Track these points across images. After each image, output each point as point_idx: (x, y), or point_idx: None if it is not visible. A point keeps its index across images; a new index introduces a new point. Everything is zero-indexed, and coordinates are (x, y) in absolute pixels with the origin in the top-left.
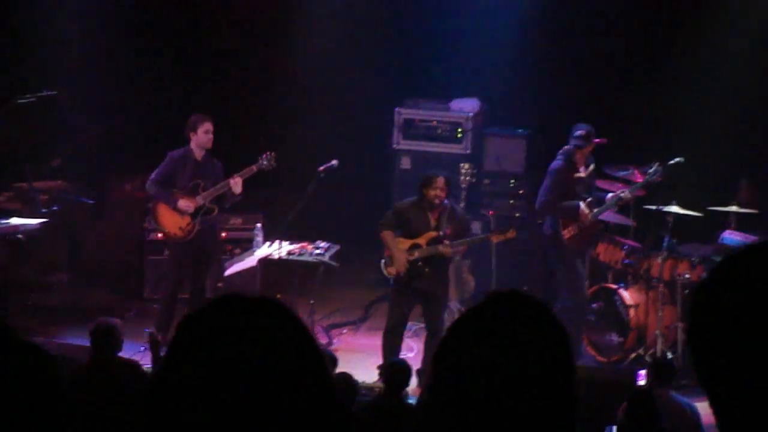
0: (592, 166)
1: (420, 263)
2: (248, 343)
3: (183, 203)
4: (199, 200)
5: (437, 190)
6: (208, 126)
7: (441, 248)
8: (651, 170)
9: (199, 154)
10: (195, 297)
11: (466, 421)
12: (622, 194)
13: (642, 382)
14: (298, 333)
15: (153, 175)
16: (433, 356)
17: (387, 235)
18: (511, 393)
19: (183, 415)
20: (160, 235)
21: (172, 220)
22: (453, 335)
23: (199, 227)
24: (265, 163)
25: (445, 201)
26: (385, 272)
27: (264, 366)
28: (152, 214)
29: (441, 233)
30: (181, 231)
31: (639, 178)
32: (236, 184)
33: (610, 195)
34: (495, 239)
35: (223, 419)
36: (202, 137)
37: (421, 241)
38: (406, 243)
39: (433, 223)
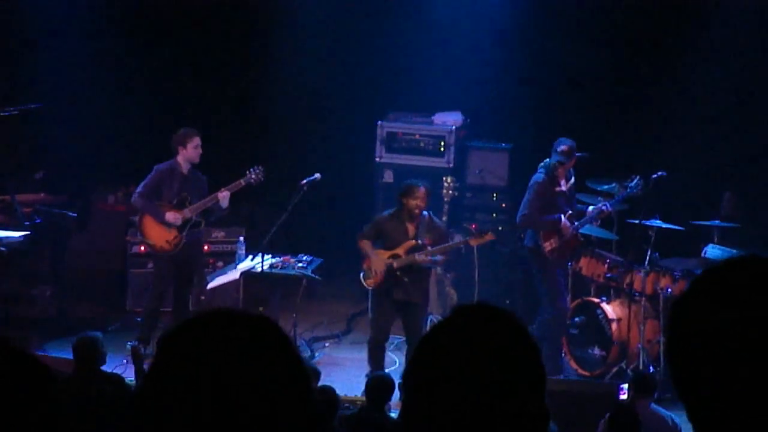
0: (572, 180)
1: (399, 273)
2: (231, 357)
3: (171, 216)
4: (187, 213)
5: (418, 200)
6: (197, 141)
7: (418, 257)
8: (632, 184)
9: (185, 167)
10: (178, 310)
11: None
12: (603, 207)
13: (624, 396)
14: (282, 348)
15: (139, 188)
16: (403, 371)
17: (365, 245)
18: (481, 405)
19: (166, 429)
20: (143, 248)
21: (159, 233)
22: (422, 349)
23: (185, 240)
24: (253, 176)
25: (424, 212)
26: (364, 284)
27: (247, 381)
28: (138, 227)
29: (420, 242)
30: (168, 244)
31: (621, 192)
32: (224, 197)
33: (591, 208)
34: (474, 243)
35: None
36: (191, 152)
37: (400, 251)
38: (386, 253)
39: (411, 232)
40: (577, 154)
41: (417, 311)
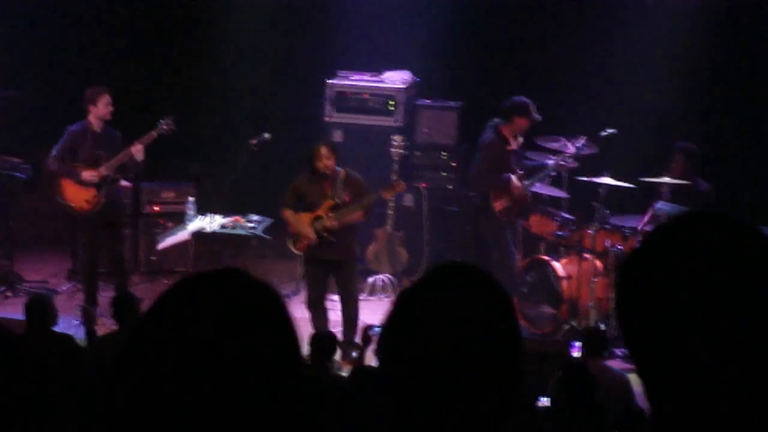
0: (521, 138)
1: (325, 234)
2: (224, 319)
3: (87, 174)
4: (103, 171)
5: (324, 160)
6: (107, 98)
7: (329, 222)
8: (578, 144)
9: (98, 125)
10: (115, 267)
11: (418, 392)
12: (562, 162)
13: (576, 353)
14: (279, 313)
15: (53, 152)
16: (382, 327)
17: (288, 214)
18: (461, 361)
19: (149, 387)
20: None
21: (78, 193)
22: (400, 306)
23: (104, 198)
24: (164, 127)
25: (338, 168)
26: (293, 250)
27: (240, 344)
28: (57, 190)
29: (338, 201)
30: (88, 204)
31: (569, 149)
32: (138, 151)
33: (549, 162)
34: (386, 195)
35: (190, 394)
36: (102, 109)
37: (321, 212)
38: (308, 217)
39: (328, 192)
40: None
41: (347, 269)
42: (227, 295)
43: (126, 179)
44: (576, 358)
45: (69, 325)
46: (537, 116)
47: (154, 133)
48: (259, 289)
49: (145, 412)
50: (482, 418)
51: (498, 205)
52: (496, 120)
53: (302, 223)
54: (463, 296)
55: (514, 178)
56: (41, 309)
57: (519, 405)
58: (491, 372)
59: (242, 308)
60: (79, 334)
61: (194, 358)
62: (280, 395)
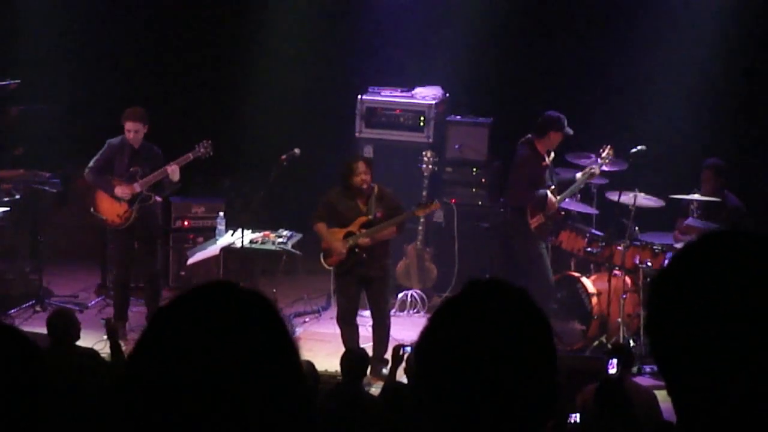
0: (552, 154)
1: (357, 249)
2: (221, 330)
3: (120, 190)
4: (137, 187)
5: (361, 175)
6: (129, 124)
7: (361, 238)
8: (604, 153)
9: (136, 141)
10: (149, 284)
11: (453, 409)
12: (593, 170)
13: (613, 370)
14: (272, 322)
15: (91, 163)
16: (417, 344)
17: (321, 228)
18: (496, 380)
19: (153, 403)
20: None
21: (111, 207)
22: (435, 324)
23: (136, 215)
24: (201, 150)
25: (372, 184)
26: (325, 265)
27: (237, 355)
28: (92, 202)
29: (371, 217)
30: (119, 218)
31: (602, 167)
32: (173, 171)
33: (579, 174)
34: (419, 213)
35: (193, 412)
36: (126, 132)
37: (354, 227)
38: (341, 232)
39: (362, 208)
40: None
41: (379, 285)
42: (221, 306)
43: (161, 197)
44: (612, 375)
45: (97, 339)
46: (569, 130)
47: (190, 155)
48: (251, 298)
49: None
50: None
51: (534, 222)
52: (530, 136)
53: (334, 238)
54: (499, 314)
55: (549, 193)
56: (63, 324)
57: (553, 424)
58: (526, 391)
59: (237, 317)
60: (106, 349)
61: (194, 371)
62: (282, 399)
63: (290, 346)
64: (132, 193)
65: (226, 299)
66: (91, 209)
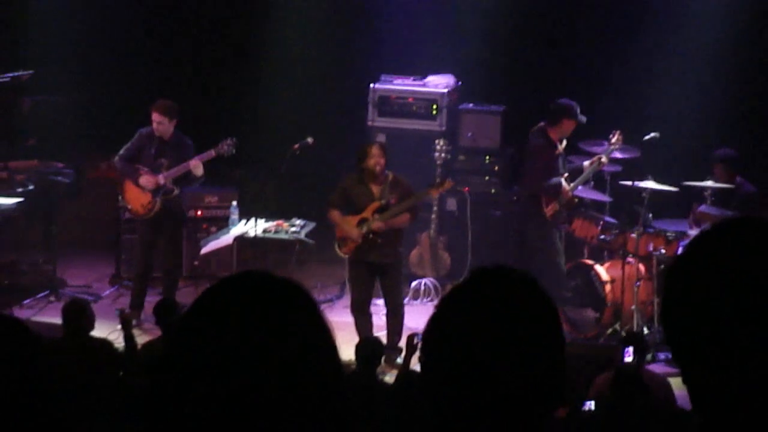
0: (564, 142)
1: (371, 236)
2: (260, 320)
3: (144, 180)
4: (160, 179)
5: (375, 158)
6: (155, 116)
7: (375, 223)
8: (614, 139)
9: (165, 133)
10: (168, 276)
11: (461, 396)
12: (602, 159)
13: (629, 358)
14: (311, 313)
15: (121, 151)
16: (424, 332)
17: (335, 215)
18: (503, 366)
19: (189, 389)
20: (128, 215)
21: (136, 196)
22: (442, 311)
23: (159, 206)
24: (225, 148)
25: (386, 172)
26: (340, 253)
27: (274, 345)
28: (120, 190)
29: (385, 202)
30: (143, 208)
31: (614, 153)
32: (196, 166)
33: (586, 162)
34: (434, 193)
35: (229, 399)
36: (152, 122)
37: (367, 214)
38: (355, 219)
39: (376, 194)
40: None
41: (393, 272)
42: (261, 295)
43: (184, 190)
44: (629, 363)
45: (111, 329)
46: (582, 118)
47: (213, 152)
48: (290, 288)
49: (186, 414)
50: (524, 423)
51: (549, 210)
52: (543, 124)
53: (348, 225)
54: (506, 300)
55: (564, 181)
56: (77, 314)
57: (568, 412)
58: (534, 377)
59: (277, 307)
60: (119, 339)
61: (233, 358)
62: (321, 390)
63: (328, 335)
64: (156, 184)
65: (265, 287)
66: (119, 197)
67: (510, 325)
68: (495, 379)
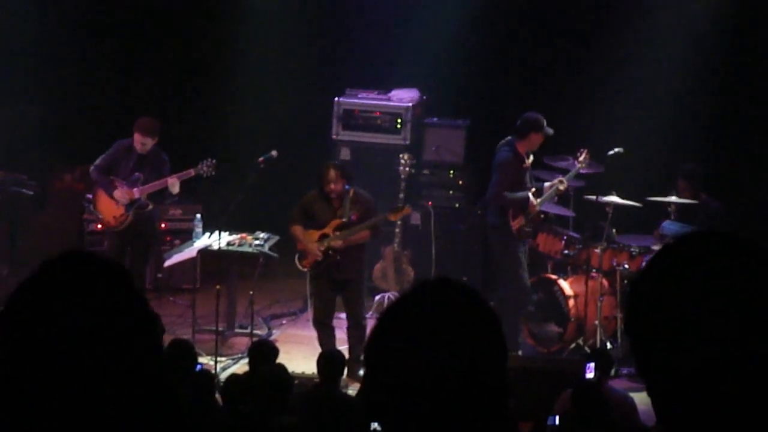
0: (531, 157)
1: (331, 252)
2: (75, 298)
3: (119, 193)
4: (135, 193)
5: (330, 184)
6: (137, 137)
7: (334, 240)
8: (581, 158)
9: (141, 148)
10: None
11: (403, 409)
12: (559, 186)
13: (590, 374)
14: (128, 291)
15: (98, 161)
16: (366, 344)
17: (296, 230)
18: (444, 378)
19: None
20: (99, 226)
21: (108, 207)
22: (383, 323)
23: (131, 219)
24: (204, 168)
25: (347, 186)
26: (300, 266)
27: (91, 323)
28: (93, 199)
29: (346, 219)
30: (114, 220)
31: (573, 167)
32: (173, 184)
33: (547, 184)
34: (392, 218)
35: (47, 379)
36: (135, 141)
37: (328, 230)
38: (315, 234)
39: (338, 211)
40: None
41: (354, 287)
42: (76, 277)
43: (158, 205)
44: (590, 379)
45: None
46: (549, 130)
47: (192, 171)
48: (105, 267)
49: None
50: None
51: (515, 224)
52: (510, 138)
53: (309, 239)
54: (448, 311)
55: (531, 195)
56: None
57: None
58: (476, 389)
59: (91, 287)
60: None
61: (52, 342)
62: (138, 368)
63: (147, 316)
64: (130, 198)
65: (83, 268)
66: (91, 206)
67: (451, 336)
68: (437, 389)
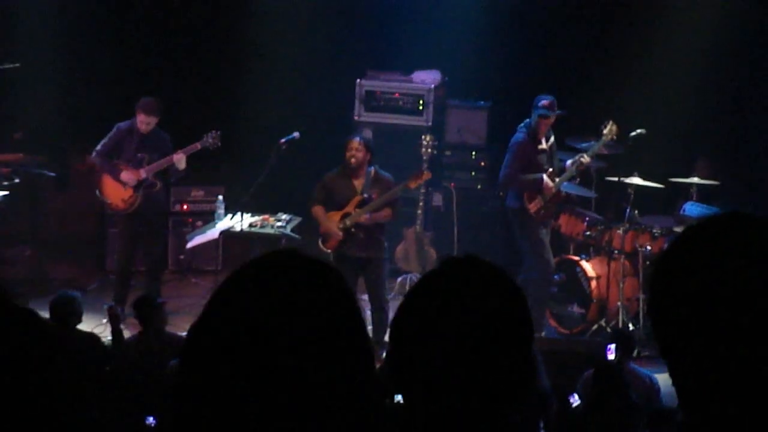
0: (552, 138)
1: (353, 230)
2: (289, 303)
3: (126, 175)
4: (142, 174)
5: (352, 151)
6: (142, 117)
7: (357, 217)
8: (605, 130)
9: (144, 128)
10: (150, 270)
11: (428, 383)
12: (582, 159)
13: (611, 356)
14: (343, 296)
15: (99, 146)
16: (392, 320)
17: (317, 211)
18: (471, 355)
19: (216, 371)
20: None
21: (116, 191)
22: (411, 299)
23: (141, 200)
24: (210, 140)
25: (369, 167)
26: (324, 249)
27: (305, 330)
28: (97, 185)
29: (367, 196)
30: (124, 203)
31: (601, 150)
32: (179, 160)
33: (569, 161)
34: (412, 184)
35: (256, 380)
36: (138, 122)
37: (350, 208)
38: (337, 215)
39: (358, 188)
40: (557, 111)
41: (376, 267)
42: (291, 278)
43: (166, 184)
44: (610, 360)
45: (97, 322)
46: (547, 112)
47: (198, 145)
48: (320, 270)
49: (215, 402)
50: (493, 411)
51: (533, 206)
52: (527, 120)
53: (331, 221)
54: (473, 289)
55: (546, 177)
56: (66, 307)
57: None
58: (502, 365)
59: (307, 291)
60: (105, 333)
61: (262, 344)
62: (349, 376)
63: (358, 319)
64: (138, 179)
65: (290, 269)
66: (97, 192)
67: (478, 312)
68: (462, 366)
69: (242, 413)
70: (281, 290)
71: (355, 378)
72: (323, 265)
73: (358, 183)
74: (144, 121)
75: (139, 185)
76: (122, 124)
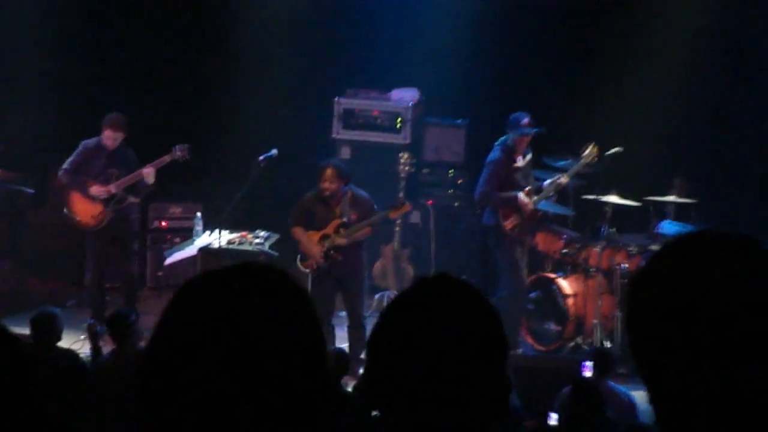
0: (529, 156)
1: (332, 252)
2: (247, 310)
3: (95, 190)
4: (112, 188)
5: (326, 182)
6: (108, 133)
7: (337, 239)
8: (585, 152)
9: (112, 144)
10: (125, 285)
11: (403, 404)
12: (560, 180)
13: (588, 373)
14: (299, 301)
15: (66, 164)
16: (368, 340)
17: (297, 231)
18: (443, 374)
19: (176, 377)
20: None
21: (85, 208)
22: (386, 317)
23: (111, 215)
24: (178, 153)
25: (345, 188)
26: (301, 268)
27: (263, 335)
28: (66, 202)
29: (346, 219)
30: (93, 219)
31: (579, 170)
32: (148, 174)
33: (547, 181)
34: (393, 215)
35: (214, 385)
36: (105, 139)
37: (329, 230)
38: (316, 235)
39: (337, 211)
40: (536, 129)
41: (354, 284)
42: (249, 289)
43: (137, 198)
44: (587, 378)
45: (74, 339)
46: (527, 131)
47: (167, 158)
48: (281, 282)
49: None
50: (469, 427)
51: (508, 224)
52: (503, 138)
53: (311, 241)
54: (447, 308)
55: (521, 195)
56: (47, 324)
57: (505, 416)
58: (476, 384)
59: (267, 302)
60: (83, 349)
61: (221, 355)
62: (308, 389)
63: (313, 323)
64: (108, 193)
65: (246, 277)
66: (65, 210)
67: (452, 330)
68: (438, 384)
69: (200, 417)
70: (234, 295)
71: (308, 380)
72: (278, 272)
73: (336, 206)
74: (111, 137)
75: (108, 201)
76: (88, 141)
